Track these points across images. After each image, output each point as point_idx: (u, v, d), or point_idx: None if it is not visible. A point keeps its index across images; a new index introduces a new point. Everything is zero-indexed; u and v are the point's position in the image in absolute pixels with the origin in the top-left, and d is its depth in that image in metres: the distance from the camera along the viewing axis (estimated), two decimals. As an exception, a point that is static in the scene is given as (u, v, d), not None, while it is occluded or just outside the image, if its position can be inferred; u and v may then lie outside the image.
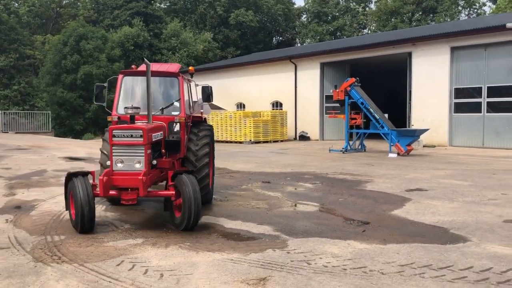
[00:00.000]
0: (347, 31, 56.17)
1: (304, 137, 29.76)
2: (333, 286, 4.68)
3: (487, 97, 22.00)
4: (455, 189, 10.55)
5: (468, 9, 53.55)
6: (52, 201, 9.43)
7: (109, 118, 8.23)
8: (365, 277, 4.94)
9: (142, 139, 6.81)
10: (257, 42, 57.41)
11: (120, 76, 8.55)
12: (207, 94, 8.84)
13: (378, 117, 19.75)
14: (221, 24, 56.21)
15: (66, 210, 7.15)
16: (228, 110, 32.82)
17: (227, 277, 4.91)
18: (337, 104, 22.01)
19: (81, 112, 41.65)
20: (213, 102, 34.03)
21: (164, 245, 6.20)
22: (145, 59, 7.80)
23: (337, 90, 20.96)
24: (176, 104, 8.52)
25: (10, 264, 5.40)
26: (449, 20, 48.49)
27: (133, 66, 9.28)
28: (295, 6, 64.29)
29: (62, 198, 9.61)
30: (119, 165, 6.84)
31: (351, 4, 59.96)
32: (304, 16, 64.87)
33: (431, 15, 51.05)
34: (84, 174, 6.95)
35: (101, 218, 7.83)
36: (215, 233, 6.89)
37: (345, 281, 4.82)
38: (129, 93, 8.71)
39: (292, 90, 30.97)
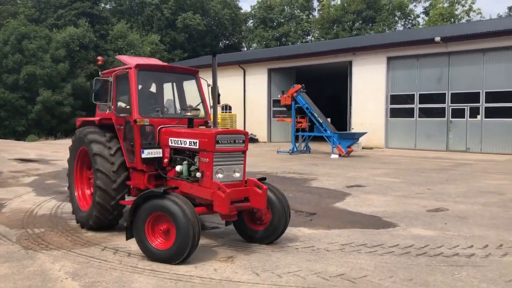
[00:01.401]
0: (292, 37, 58.13)
1: (252, 139, 30.92)
2: (289, 260, 5.74)
3: (419, 103, 24.16)
4: (388, 185, 12.00)
5: (404, 19, 57.10)
6: (19, 200, 9.92)
7: (140, 122, 6.71)
8: (314, 253, 6.04)
9: (244, 145, 6.26)
10: (204, 46, 58.10)
11: (134, 71, 6.93)
12: (219, 95, 7.85)
13: (321, 121, 21.27)
14: (168, 27, 56.43)
15: (129, 239, 5.85)
16: (177, 112, 33.32)
17: (199, 257, 5.83)
18: (284, 108, 23.38)
19: (23, 113, 40.54)
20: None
21: (139, 234, 7.01)
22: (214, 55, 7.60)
23: (284, 96, 22.30)
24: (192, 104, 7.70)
25: (3, 252, 6.05)
26: (387, 29, 51.55)
27: (99, 58, 8.06)
28: (242, 11, 65.60)
29: (28, 197, 10.16)
30: (219, 175, 6.02)
31: (295, 11, 62.05)
32: (251, 21, 66.32)
33: (370, 25, 53.96)
34: (173, 189, 6.06)
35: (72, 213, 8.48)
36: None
37: (298, 256, 5.90)
38: (145, 91, 7.52)
39: (241, 94, 32.06)
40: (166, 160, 6.80)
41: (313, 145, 24.20)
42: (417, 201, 9.91)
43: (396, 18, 56.23)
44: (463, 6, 52.06)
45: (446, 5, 51.99)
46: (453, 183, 12.35)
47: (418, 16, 57.61)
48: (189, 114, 6.87)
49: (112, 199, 6.78)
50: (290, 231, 7.20)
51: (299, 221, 7.96)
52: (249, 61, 32.53)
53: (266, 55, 34.00)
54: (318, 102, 23.73)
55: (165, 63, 8.14)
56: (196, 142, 6.23)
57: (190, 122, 6.91)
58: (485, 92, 21.98)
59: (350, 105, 26.80)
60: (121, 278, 5.09)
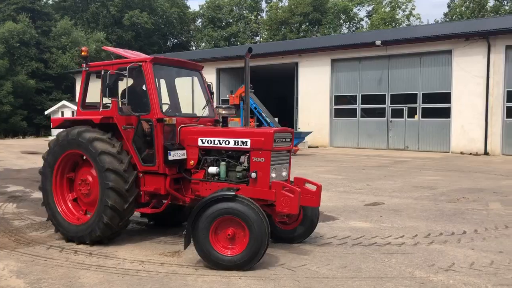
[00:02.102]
0: (241, 38, 58.52)
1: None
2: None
3: (361, 104, 25.21)
4: (331, 182, 12.55)
5: (349, 23, 58.94)
6: (-43, 201, 9.58)
7: (169, 121, 6.31)
8: (258, 246, 6.34)
9: (291, 143, 6.22)
10: (151, 44, 57.33)
11: (149, 65, 6.36)
12: (212, 93, 7.60)
13: (269, 121, 21.75)
14: (114, 24, 55.24)
15: (187, 246, 5.42)
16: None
17: (147, 252, 5.98)
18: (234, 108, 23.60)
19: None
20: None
21: (85, 232, 7.04)
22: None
23: (233, 96, 22.57)
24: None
25: None
26: (332, 32, 53.04)
27: (83, 48, 6.93)
28: (190, 10, 65.28)
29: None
30: (273, 175, 5.84)
31: (244, 12, 62.50)
32: (199, 20, 66.12)
33: (316, 27, 55.30)
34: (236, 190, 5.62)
35: (15, 214, 8.35)
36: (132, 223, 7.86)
37: (242, 249, 6.18)
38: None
39: (189, 93, 31.96)
40: (192, 161, 6.31)
41: (260, 145, 24.48)
42: (356, 196, 10.47)
43: (341, 21, 57.90)
44: (403, 11, 54.45)
45: (388, 9, 54.17)
46: (390, 179, 13.09)
47: (362, 19, 59.68)
48: (223, 112, 6.52)
49: (125, 202, 6.08)
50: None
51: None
52: (198, 60, 32.48)
53: (215, 55, 34.15)
54: (266, 102, 24.19)
55: (175, 58, 7.36)
56: (246, 141, 5.92)
57: (225, 121, 6.64)
58: (422, 93, 23.29)
59: (297, 105, 27.50)
60: (68, 274, 5.16)
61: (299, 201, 5.58)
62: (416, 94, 23.47)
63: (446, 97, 22.51)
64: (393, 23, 50.42)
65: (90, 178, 6.51)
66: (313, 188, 6.14)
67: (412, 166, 16.68)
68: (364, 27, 57.49)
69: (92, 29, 53.30)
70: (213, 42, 58.53)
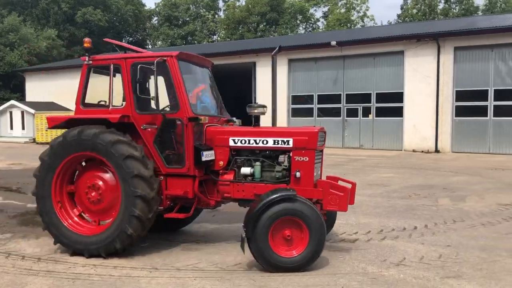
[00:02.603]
0: (198, 37, 58.12)
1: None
2: (190, 254, 5.96)
3: (318, 103, 25.58)
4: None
5: (305, 23, 59.72)
6: None
7: (203, 120, 6.09)
8: (214, 247, 6.31)
9: (324, 142, 6.27)
10: (106, 42, 55.97)
11: (175, 60, 5.95)
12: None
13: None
14: (66, 21, 53.53)
15: (245, 251, 5.20)
16: (77, 112, 31.88)
17: (99, 255, 5.82)
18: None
19: None
20: (60, 103, 32.78)
21: (34, 236, 6.78)
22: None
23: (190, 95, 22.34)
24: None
25: None
26: (289, 32, 53.58)
27: (86, 40, 6.48)
28: (146, 8, 64.18)
29: None
30: (315, 174, 5.87)
31: (201, 10, 62.10)
32: (155, 18, 65.14)
33: (274, 27, 55.70)
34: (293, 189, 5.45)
35: (-42, 219, 7.94)
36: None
37: (199, 251, 6.14)
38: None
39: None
40: (221, 162, 6.06)
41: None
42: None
43: (298, 21, 58.62)
44: (358, 12, 55.74)
45: (343, 10, 55.28)
46: (345, 177, 13.30)
47: (318, 20, 60.61)
48: (255, 111, 6.22)
49: (150, 210, 5.65)
50: (192, 227, 7.39)
51: (201, 218, 8.18)
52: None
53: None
54: (225, 101, 24.08)
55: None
56: (288, 140, 5.84)
57: (257, 120, 6.32)
58: (376, 93, 23.88)
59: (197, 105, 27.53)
60: (14, 281, 4.95)
61: (348, 199, 5.62)
62: (370, 93, 24.04)
63: (399, 97, 23.17)
64: (348, 24, 51.51)
65: (100, 183, 5.90)
66: (348, 186, 6.03)
67: (366, 164, 17.08)
68: (320, 27, 58.43)
69: (42, 26, 51.46)
70: (170, 40, 57.84)
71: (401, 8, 53.65)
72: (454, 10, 50.27)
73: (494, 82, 21.10)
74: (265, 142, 5.91)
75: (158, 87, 5.76)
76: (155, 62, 5.77)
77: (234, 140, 6.02)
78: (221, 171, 6.10)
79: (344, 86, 24.73)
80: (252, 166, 5.97)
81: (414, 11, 51.01)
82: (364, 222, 7.75)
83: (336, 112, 25.10)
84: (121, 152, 5.55)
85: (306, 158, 5.75)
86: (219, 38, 60.41)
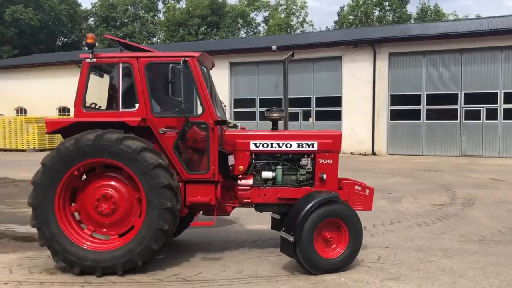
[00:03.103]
0: (137, 38, 56.72)
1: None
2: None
3: (260, 107, 25.67)
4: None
5: (247, 27, 60.02)
6: None
7: (229, 124, 6.15)
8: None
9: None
10: (38, 42, 53.32)
11: (196, 61, 5.68)
12: None
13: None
14: (-6, 20, 50.47)
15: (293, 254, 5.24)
16: (5, 115, 30.04)
17: (25, 271, 5.37)
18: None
19: None
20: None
21: None
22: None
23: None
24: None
25: None
26: (231, 36, 53.60)
27: (89, 35, 5.89)
28: (82, 8, 61.87)
29: None
30: None
31: (140, 12, 60.74)
32: (92, 19, 62.94)
33: (215, 30, 55.52)
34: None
35: None
36: (6, 237, 7.08)
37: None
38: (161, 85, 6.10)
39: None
40: (241, 167, 5.88)
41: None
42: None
43: (239, 25, 58.81)
44: (297, 18, 56.81)
45: (283, 15, 56.10)
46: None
47: (259, 24, 61.11)
48: (274, 115, 6.08)
49: (175, 223, 5.35)
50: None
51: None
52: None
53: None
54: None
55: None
56: (313, 144, 5.93)
57: (275, 124, 6.20)
58: (315, 97, 24.34)
59: (197, 108, 27.21)
60: None
61: (372, 199, 5.88)
62: (310, 98, 24.46)
63: (337, 101, 23.74)
64: (288, 29, 52.31)
65: (112, 193, 5.36)
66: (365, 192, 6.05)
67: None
68: (262, 32, 58.94)
69: (-34, 24, 48.19)
70: (107, 42, 56.04)
71: (338, 15, 55.27)
72: (388, 18, 52.43)
73: (426, 87, 22.14)
74: (288, 145, 5.93)
75: (181, 89, 5.39)
76: (181, 62, 5.40)
77: (255, 144, 5.93)
78: (240, 176, 5.93)
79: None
80: (273, 170, 5.93)
81: (351, 17, 52.68)
82: (305, 226, 7.73)
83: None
84: (149, 161, 5.14)
85: (330, 161, 5.94)
86: (158, 40, 59.32)
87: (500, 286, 4.81)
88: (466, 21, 32.14)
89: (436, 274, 5.20)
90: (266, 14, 59.81)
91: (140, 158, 5.13)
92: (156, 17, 61.28)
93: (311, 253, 5.14)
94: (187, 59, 5.54)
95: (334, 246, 5.34)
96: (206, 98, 5.63)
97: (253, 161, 5.99)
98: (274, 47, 23.71)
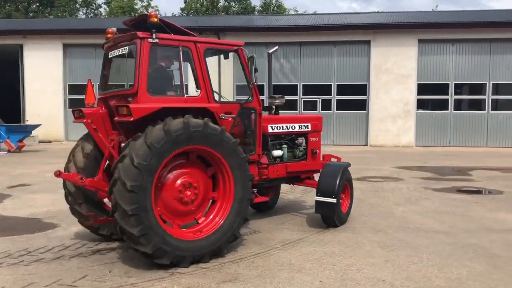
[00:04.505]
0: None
1: None
2: None
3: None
4: (59, 182, 11.03)
5: (86, 8, 55.52)
6: None
7: (273, 109, 7.30)
8: None
9: None
10: None
11: (243, 50, 6.12)
12: (256, 70, 6.64)
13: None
14: None
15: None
16: None
17: None
18: None
19: None
20: None
21: None
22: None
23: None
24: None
25: None
26: (68, 16, 49.00)
27: (151, 13, 5.30)
28: None
29: None
30: None
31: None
32: None
33: (49, 9, 50.19)
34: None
35: None
36: None
37: None
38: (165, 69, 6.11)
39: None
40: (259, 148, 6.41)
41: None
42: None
43: (78, 6, 54.21)
44: (142, 1, 54.40)
45: (126, -2, 53.16)
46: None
47: (100, 6, 57.06)
48: (277, 101, 7.09)
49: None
50: None
51: None
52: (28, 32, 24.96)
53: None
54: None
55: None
56: (307, 125, 7.29)
57: (277, 109, 7.23)
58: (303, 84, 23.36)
59: (23, 94, 24.11)
60: None
61: None
62: (297, 85, 23.39)
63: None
64: (132, 13, 49.81)
65: (192, 180, 5.25)
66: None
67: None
68: (103, 14, 55.20)
69: None
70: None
71: (185, 2, 54.43)
72: (234, 8, 53.36)
73: (272, 78, 22.79)
74: (294, 127, 7.10)
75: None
76: (246, 51, 6.05)
77: (272, 127, 6.79)
78: (259, 155, 6.44)
79: (128, 77, 23.46)
80: (281, 149, 6.95)
81: (198, 5, 52.32)
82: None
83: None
84: (231, 139, 5.33)
85: (316, 139, 7.38)
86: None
87: (336, 278, 4.72)
88: (305, 16, 34.07)
89: (275, 270, 4.92)
90: (108, -5, 56.09)
91: (225, 137, 5.25)
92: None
93: (339, 209, 6.63)
94: (239, 48, 6.01)
95: (345, 203, 6.93)
96: (253, 85, 5.97)
97: (271, 141, 6.83)
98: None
